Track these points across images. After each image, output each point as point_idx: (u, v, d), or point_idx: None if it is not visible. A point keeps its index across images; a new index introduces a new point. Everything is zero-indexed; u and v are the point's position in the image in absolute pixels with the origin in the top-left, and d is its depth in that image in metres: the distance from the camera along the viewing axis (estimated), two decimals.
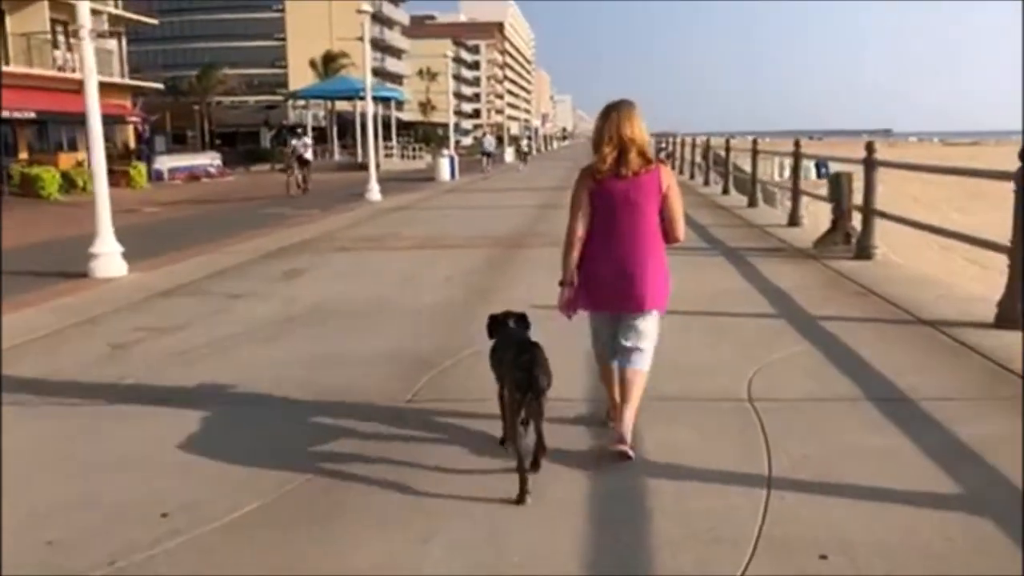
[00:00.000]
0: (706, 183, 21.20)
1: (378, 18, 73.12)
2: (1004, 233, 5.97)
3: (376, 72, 73.34)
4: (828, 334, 5.80)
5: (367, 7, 25.19)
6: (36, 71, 29.11)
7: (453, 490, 3.45)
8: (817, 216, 12.54)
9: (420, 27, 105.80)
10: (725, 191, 18.71)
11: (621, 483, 3.50)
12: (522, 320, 4.02)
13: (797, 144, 12.32)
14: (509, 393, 3.53)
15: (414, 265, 9.75)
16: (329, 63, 58.68)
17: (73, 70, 29.79)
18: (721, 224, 12.56)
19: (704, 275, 7.99)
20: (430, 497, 3.39)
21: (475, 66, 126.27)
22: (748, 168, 21.35)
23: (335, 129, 45.01)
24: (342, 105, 46.89)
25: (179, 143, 49.25)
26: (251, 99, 57.10)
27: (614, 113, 3.71)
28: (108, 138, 35.57)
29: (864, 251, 8.94)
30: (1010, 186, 5.76)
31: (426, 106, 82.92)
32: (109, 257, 9.34)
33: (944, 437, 3.88)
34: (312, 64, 59.81)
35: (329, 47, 59.18)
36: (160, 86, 38.68)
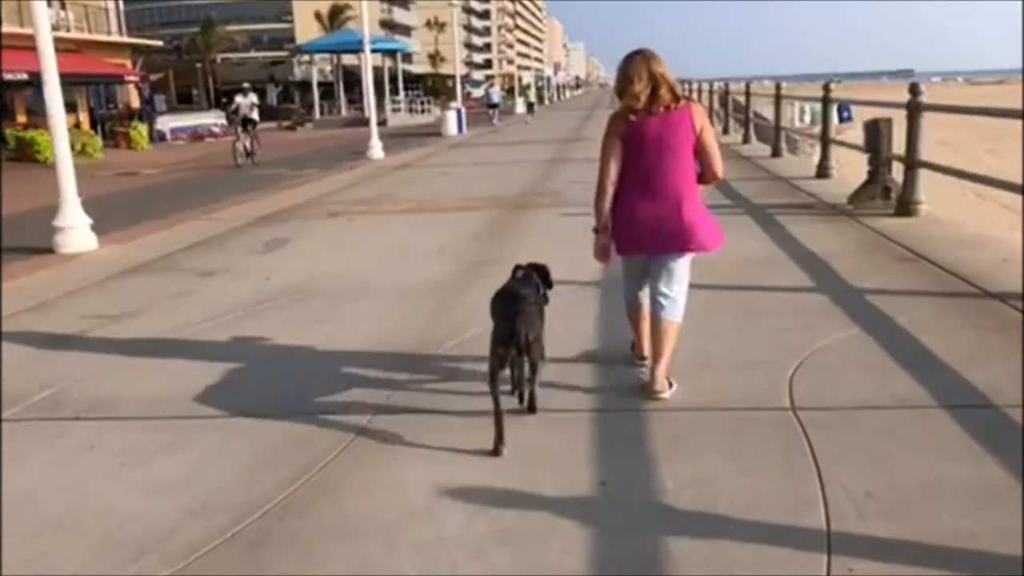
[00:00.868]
0: (725, 131, 20.05)
1: None
2: None
3: (384, 24, 71.75)
4: (878, 313, 4.91)
5: None
6: (29, 31, 28.13)
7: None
8: (847, 166, 11.51)
9: None
10: (746, 140, 17.62)
11: (640, 545, 2.70)
12: (539, 272, 3.98)
13: (827, 88, 11.24)
14: (491, 344, 3.42)
15: (407, 232, 8.91)
16: (335, 16, 57.08)
17: (68, 29, 28.83)
18: (744, 177, 11.56)
19: (730, 238, 7.00)
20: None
21: (485, 15, 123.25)
22: (768, 115, 20.31)
23: (341, 84, 43.71)
24: (349, 59, 45.52)
25: (185, 102, 48.24)
26: (257, 55, 55.72)
27: (638, 56, 3.70)
28: (109, 99, 35.11)
29: (906, 207, 7.99)
30: None
31: (435, 58, 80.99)
32: (75, 231, 8.56)
33: None
34: (318, 17, 58.21)
35: None
36: (160, 43, 37.53)
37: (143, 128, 29.28)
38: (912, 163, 7.94)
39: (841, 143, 11.30)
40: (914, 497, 2.85)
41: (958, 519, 2.69)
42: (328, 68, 49.25)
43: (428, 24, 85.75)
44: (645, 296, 3.98)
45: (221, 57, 51.55)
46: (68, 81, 27.22)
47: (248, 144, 20.68)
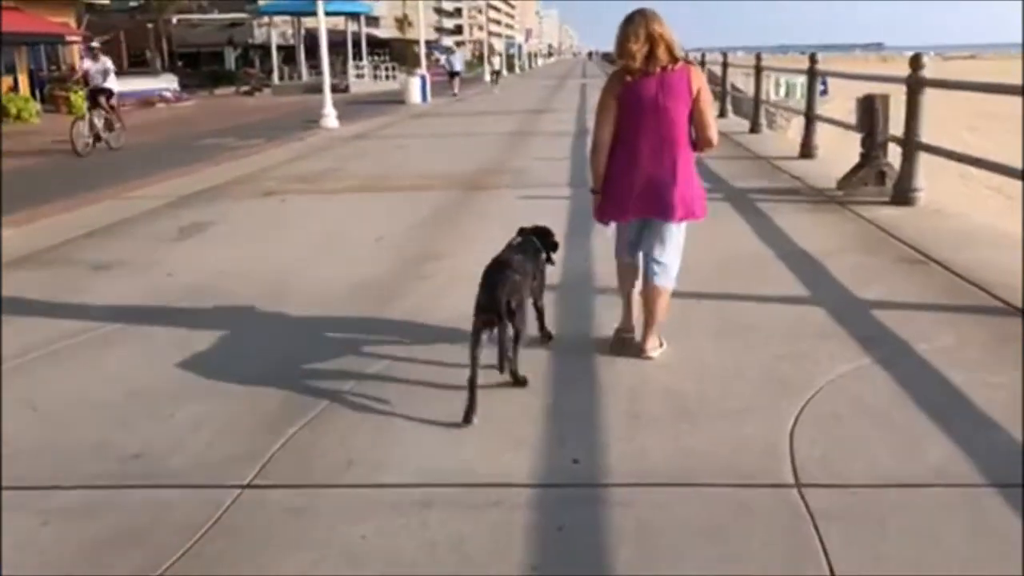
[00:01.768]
0: None
1: None
2: None
3: None
4: (891, 337, 4.04)
5: None
6: None
7: None
8: (827, 144, 10.63)
9: None
10: (722, 113, 16.71)
11: None
12: (540, 235, 3.95)
13: (812, 60, 10.33)
14: (474, 310, 3.37)
15: (346, 217, 7.89)
16: None
17: None
18: (721, 155, 10.61)
19: (707, 230, 6.13)
20: None
21: None
22: (743, 87, 19.39)
23: (302, 48, 41.91)
24: (312, 22, 43.61)
25: (138, 65, 46.04)
26: (216, 17, 53.35)
27: (638, 15, 3.61)
28: (52, 60, 33.18)
29: (904, 195, 7.15)
30: None
31: (403, 22, 78.81)
32: None
33: None
34: None
35: None
36: (108, 1, 35.50)
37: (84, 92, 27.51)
38: (912, 146, 7.08)
39: (821, 119, 10.42)
40: None
41: None
42: (290, 31, 47.31)
43: None
44: (637, 258, 3.88)
45: (177, 18, 49.25)
46: (5, 40, 25.65)
47: (99, 123, 15.41)
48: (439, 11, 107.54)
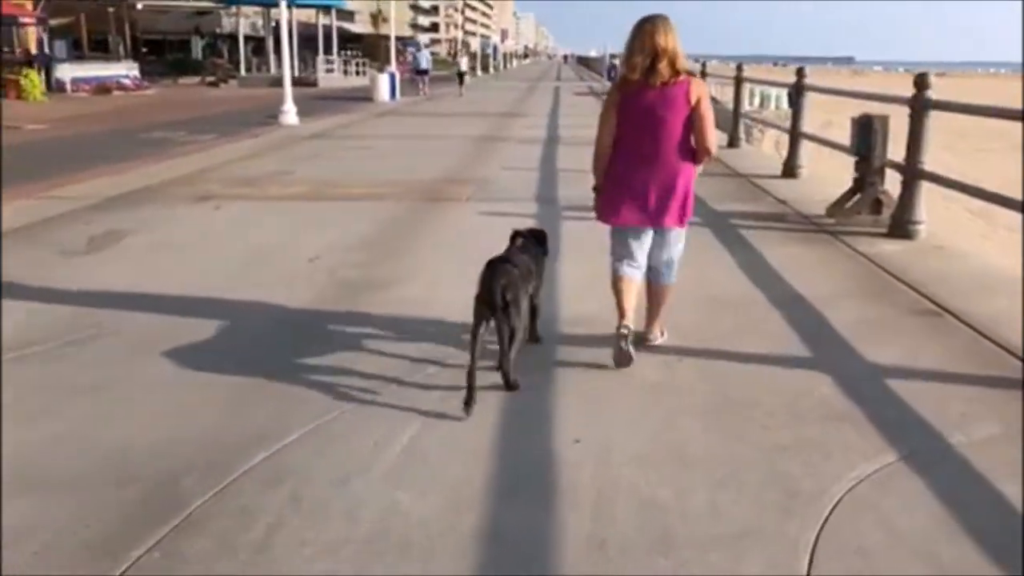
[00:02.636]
0: None
1: None
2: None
3: None
4: (918, 423, 3.27)
5: None
6: None
7: None
8: (811, 162, 9.93)
9: None
10: None
11: None
12: (536, 237, 4.04)
13: (800, 74, 9.62)
14: (474, 305, 3.40)
15: (283, 229, 7.01)
16: None
17: None
18: (700, 172, 9.92)
19: (690, 264, 5.37)
20: None
21: None
22: (719, 97, 18.73)
23: (271, 39, 40.62)
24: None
25: (101, 51, 44.40)
26: (183, 4, 51.70)
27: (648, 24, 3.61)
28: (5, 42, 31.67)
29: (903, 227, 6.45)
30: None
31: (377, 17, 77.54)
32: None
33: None
34: None
35: None
36: None
37: (36, 77, 26.22)
38: (914, 174, 6.38)
39: (807, 137, 9.73)
40: None
41: None
42: (260, 22, 45.97)
43: None
44: (632, 271, 3.85)
45: (143, 4, 47.63)
46: None
47: None
48: (415, 8, 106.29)
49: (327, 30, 41.72)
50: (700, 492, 2.74)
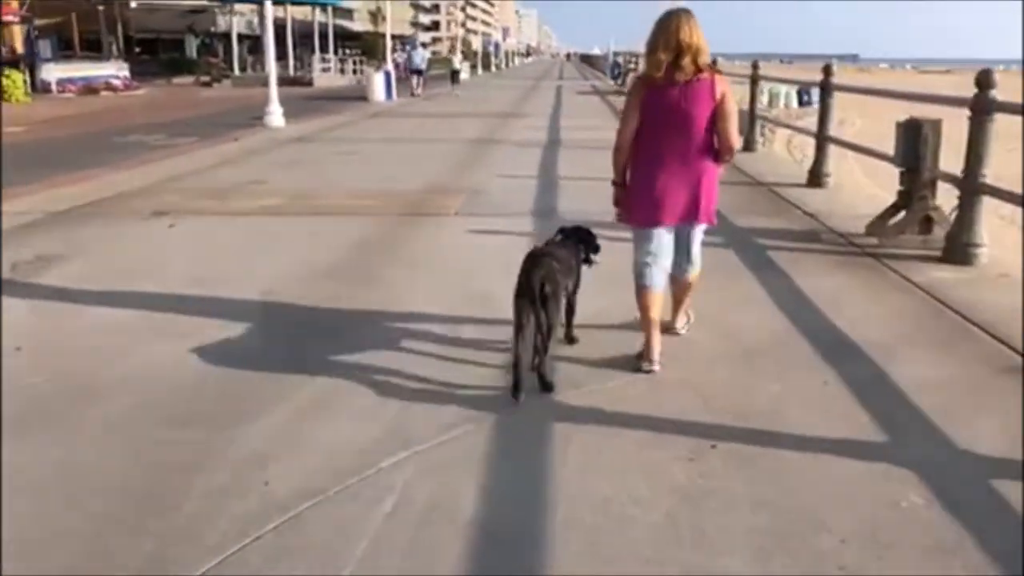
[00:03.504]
0: None
1: None
2: None
3: None
4: None
5: None
6: None
7: None
8: (840, 167, 9.00)
9: None
10: None
11: None
12: (581, 235, 3.97)
13: (827, 72, 8.64)
14: (513, 299, 3.38)
15: (240, 251, 6.09)
16: None
17: None
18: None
19: (713, 293, 4.48)
20: None
21: None
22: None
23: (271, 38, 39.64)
24: (279, 11, 41.40)
25: (94, 50, 43.49)
26: (177, 2, 50.69)
27: (672, 19, 3.53)
28: None
29: (960, 251, 5.51)
30: None
31: (376, 15, 76.58)
32: None
33: None
34: None
35: None
36: None
37: (19, 76, 25.30)
38: (974, 188, 5.43)
39: (837, 142, 8.78)
40: None
41: None
42: (256, 20, 45.01)
43: None
44: (658, 275, 3.73)
45: (137, 3, 46.69)
46: None
47: None
48: (416, 6, 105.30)
49: (323, 28, 40.79)
50: None
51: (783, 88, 26.61)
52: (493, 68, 68.45)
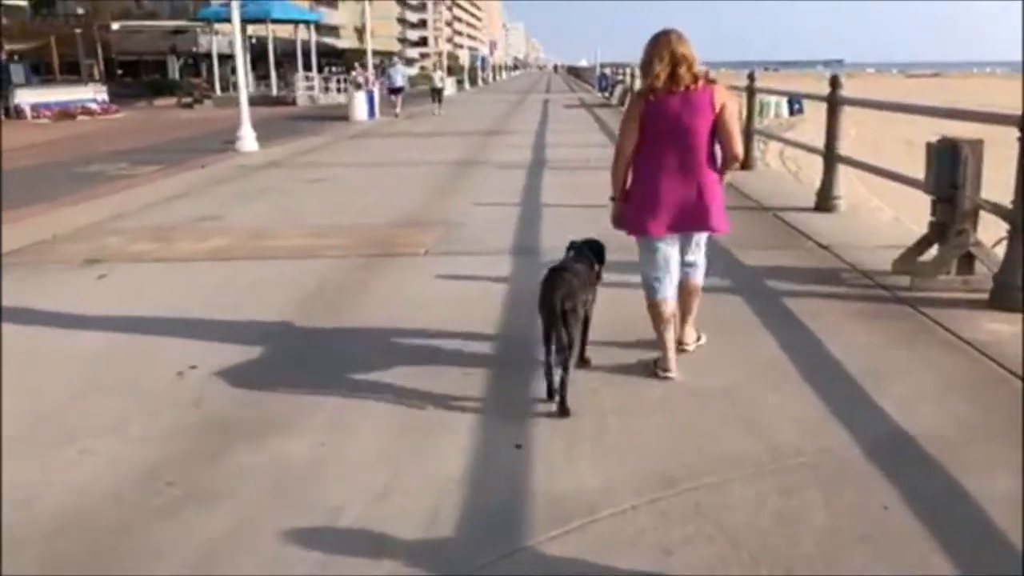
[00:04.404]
0: None
1: None
2: None
3: None
4: None
5: None
6: None
7: None
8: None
9: None
10: None
11: None
12: (592, 247, 3.91)
13: (834, 84, 7.83)
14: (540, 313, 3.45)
15: (172, 310, 5.20)
16: None
17: None
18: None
19: (720, 357, 3.67)
20: None
21: None
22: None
23: (248, 57, 38.86)
24: (261, 30, 40.67)
25: (74, 74, 42.64)
26: (158, 24, 49.90)
27: (663, 36, 3.67)
28: None
29: (1011, 295, 4.67)
30: None
31: (362, 32, 75.98)
32: None
33: None
34: None
35: None
36: (23, 3, 32.24)
37: None
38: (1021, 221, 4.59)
39: (850, 163, 7.96)
40: None
41: None
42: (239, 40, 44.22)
43: None
44: (669, 288, 3.76)
45: (119, 24, 45.89)
46: None
47: None
48: (402, 21, 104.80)
49: (306, 46, 40.00)
50: None
51: (773, 98, 25.84)
52: (480, 82, 67.77)
